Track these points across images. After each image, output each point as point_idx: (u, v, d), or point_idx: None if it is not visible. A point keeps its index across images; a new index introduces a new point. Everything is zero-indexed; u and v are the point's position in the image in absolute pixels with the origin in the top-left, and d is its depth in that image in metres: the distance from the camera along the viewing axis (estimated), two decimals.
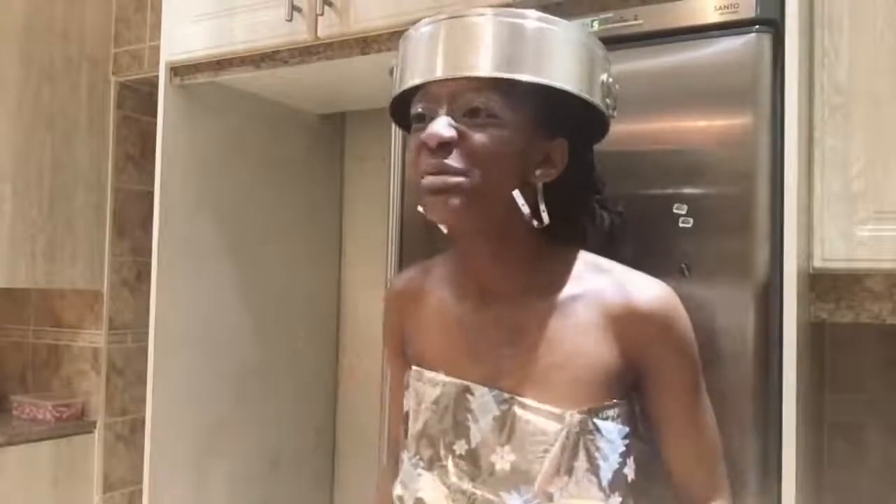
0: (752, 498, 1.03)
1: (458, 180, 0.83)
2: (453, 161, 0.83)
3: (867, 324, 1.50)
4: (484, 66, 0.83)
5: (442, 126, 0.83)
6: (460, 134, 0.83)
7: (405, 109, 0.91)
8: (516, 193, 0.85)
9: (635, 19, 1.17)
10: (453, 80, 0.84)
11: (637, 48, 1.14)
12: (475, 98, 0.83)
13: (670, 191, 1.11)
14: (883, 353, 1.50)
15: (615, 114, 0.93)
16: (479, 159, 0.83)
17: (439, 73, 0.85)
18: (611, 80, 0.91)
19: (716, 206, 1.09)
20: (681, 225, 1.10)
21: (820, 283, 1.50)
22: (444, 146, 0.83)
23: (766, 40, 1.09)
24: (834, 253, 1.22)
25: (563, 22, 0.88)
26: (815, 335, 1.46)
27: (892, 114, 1.20)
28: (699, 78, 1.11)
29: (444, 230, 0.91)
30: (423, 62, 0.87)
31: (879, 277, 1.49)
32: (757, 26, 1.09)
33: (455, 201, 0.83)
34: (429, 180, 0.84)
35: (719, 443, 0.94)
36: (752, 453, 1.04)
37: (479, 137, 0.83)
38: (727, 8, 1.10)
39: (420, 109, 0.87)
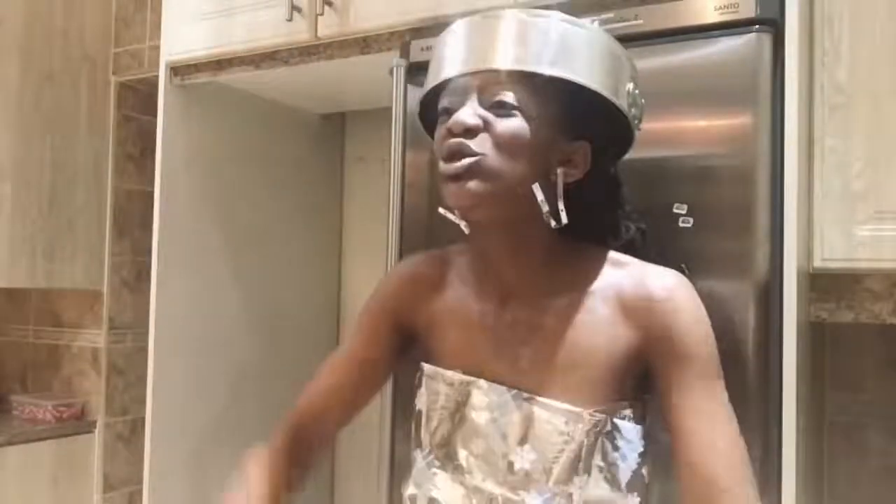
0: None
1: (476, 161, 0.83)
2: (476, 146, 0.83)
3: (867, 324, 1.50)
4: (510, 60, 0.84)
5: (467, 113, 0.84)
6: (485, 122, 0.84)
7: (433, 116, 0.91)
8: (536, 187, 0.85)
9: (635, 19, 1.17)
10: (480, 73, 0.85)
11: (637, 48, 1.14)
12: (501, 91, 0.84)
13: (670, 190, 1.11)
14: (883, 353, 1.50)
15: (641, 127, 0.93)
16: (502, 147, 0.83)
17: (465, 67, 0.86)
18: (637, 91, 0.91)
19: (716, 205, 1.09)
20: (681, 225, 1.10)
21: (820, 283, 1.50)
22: (469, 132, 0.83)
23: (766, 40, 1.09)
24: (834, 253, 1.22)
25: (590, 25, 0.88)
26: (815, 335, 1.46)
27: (892, 114, 1.20)
28: (699, 78, 1.11)
29: (465, 229, 0.91)
30: (451, 59, 0.88)
31: (879, 277, 1.49)
32: (757, 26, 1.09)
33: (473, 185, 0.83)
34: (446, 166, 0.84)
35: (741, 442, 0.84)
36: (752, 453, 1.04)
37: (503, 125, 0.83)
38: (727, 8, 1.11)
39: (447, 104, 0.87)
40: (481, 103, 0.85)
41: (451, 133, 0.84)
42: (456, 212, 0.89)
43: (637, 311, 0.87)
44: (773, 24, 1.10)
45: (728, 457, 0.81)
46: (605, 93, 0.85)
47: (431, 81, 0.91)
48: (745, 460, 0.83)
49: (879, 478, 1.48)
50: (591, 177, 0.90)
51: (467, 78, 0.86)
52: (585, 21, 0.88)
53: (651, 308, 0.86)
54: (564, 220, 0.87)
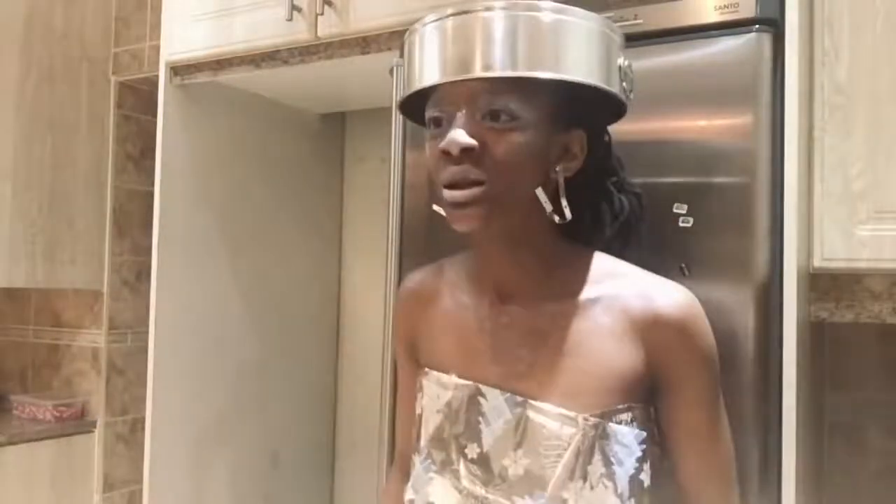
0: (753, 498, 1.03)
1: (481, 190, 0.81)
2: (475, 168, 0.81)
3: (867, 324, 1.50)
4: (501, 65, 0.81)
5: (461, 133, 0.80)
6: (481, 142, 0.81)
7: (417, 103, 0.89)
8: (539, 192, 0.84)
9: (635, 18, 1.17)
10: (470, 80, 0.81)
11: (637, 47, 1.13)
12: (494, 100, 0.80)
13: (670, 190, 1.11)
14: (883, 353, 1.50)
15: (633, 97, 0.91)
16: (501, 166, 0.81)
17: (455, 75, 0.82)
18: (626, 63, 0.89)
19: (716, 205, 1.09)
20: (681, 224, 1.10)
21: (820, 283, 1.50)
22: (466, 153, 0.80)
23: (766, 40, 1.09)
24: (834, 252, 1.22)
25: (579, 10, 0.85)
26: (815, 335, 1.45)
27: (892, 114, 1.20)
28: (699, 78, 1.11)
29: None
30: (437, 61, 0.84)
31: (879, 277, 1.49)
32: (757, 26, 1.09)
33: (479, 211, 0.81)
34: (450, 194, 0.82)
35: (733, 457, 0.91)
36: (752, 453, 1.04)
37: (501, 146, 0.81)
38: (727, 8, 1.10)
39: (436, 113, 0.84)
40: (474, 114, 0.81)
41: (446, 154, 0.81)
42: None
43: (645, 327, 0.85)
44: (773, 23, 1.10)
45: (720, 486, 0.90)
46: (602, 85, 0.84)
47: (410, 83, 0.88)
48: (733, 487, 0.91)
49: (879, 478, 1.48)
50: (587, 158, 0.88)
51: (457, 85, 0.82)
52: (572, 7, 0.85)
53: (660, 326, 0.85)
54: (569, 215, 0.85)
